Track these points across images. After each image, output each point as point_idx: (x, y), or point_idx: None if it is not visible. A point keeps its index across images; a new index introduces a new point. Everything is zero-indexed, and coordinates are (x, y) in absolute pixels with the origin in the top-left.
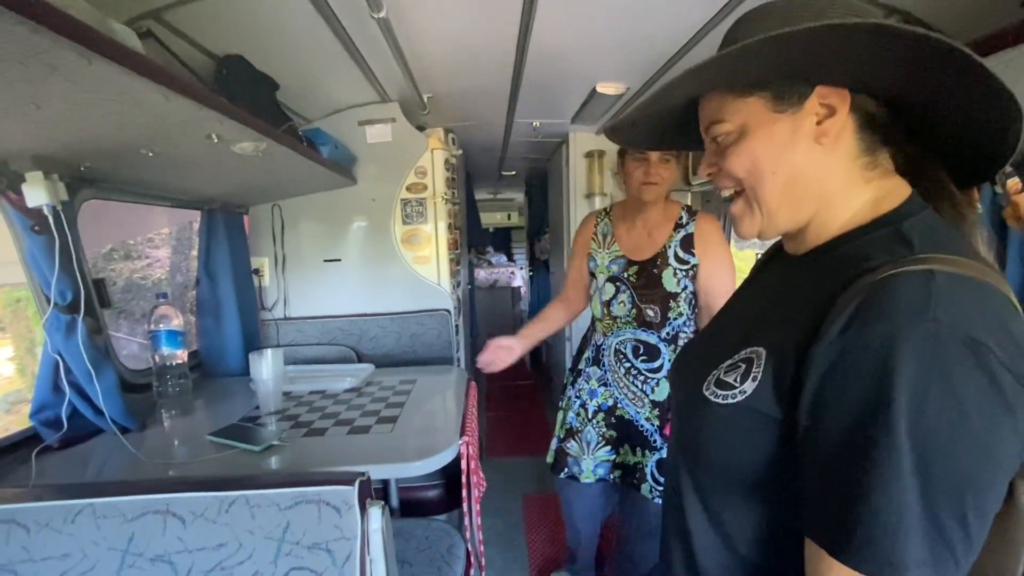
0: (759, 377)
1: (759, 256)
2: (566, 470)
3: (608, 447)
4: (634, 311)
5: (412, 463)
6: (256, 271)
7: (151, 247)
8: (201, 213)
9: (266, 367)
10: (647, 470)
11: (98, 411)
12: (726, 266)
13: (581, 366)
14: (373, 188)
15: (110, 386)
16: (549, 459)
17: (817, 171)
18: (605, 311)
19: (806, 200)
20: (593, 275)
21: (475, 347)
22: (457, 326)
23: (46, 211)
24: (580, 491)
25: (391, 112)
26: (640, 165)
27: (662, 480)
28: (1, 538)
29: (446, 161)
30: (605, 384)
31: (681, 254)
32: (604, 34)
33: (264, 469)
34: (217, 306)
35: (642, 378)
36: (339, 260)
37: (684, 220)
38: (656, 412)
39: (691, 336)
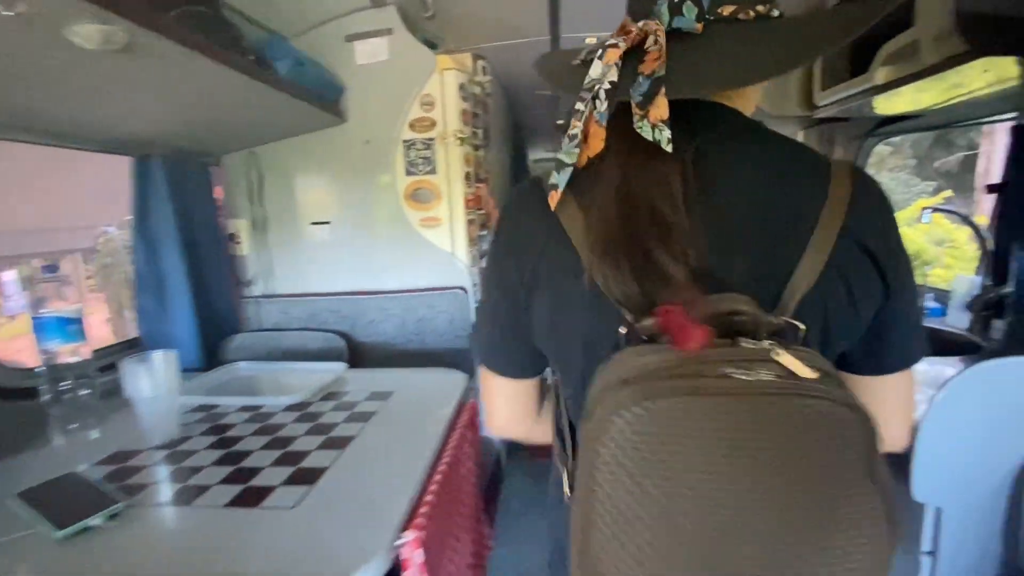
0: None
1: None
2: None
3: None
4: None
5: None
6: (231, 237)
7: None
8: (131, 161)
9: (147, 382)
10: None
11: None
12: None
13: None
14: (367, 127)
15: None
16: None
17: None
18: None
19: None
20: None
21: None
22: None
23: None
24: None
25: (387, 20)
26: None
27: None
28: None
29: (462, 87)
30: None
31: None
32: None
33: (50, 572)
34: (160, 281)
35: None
36: (328, 223)
37: None
38: None
39: None
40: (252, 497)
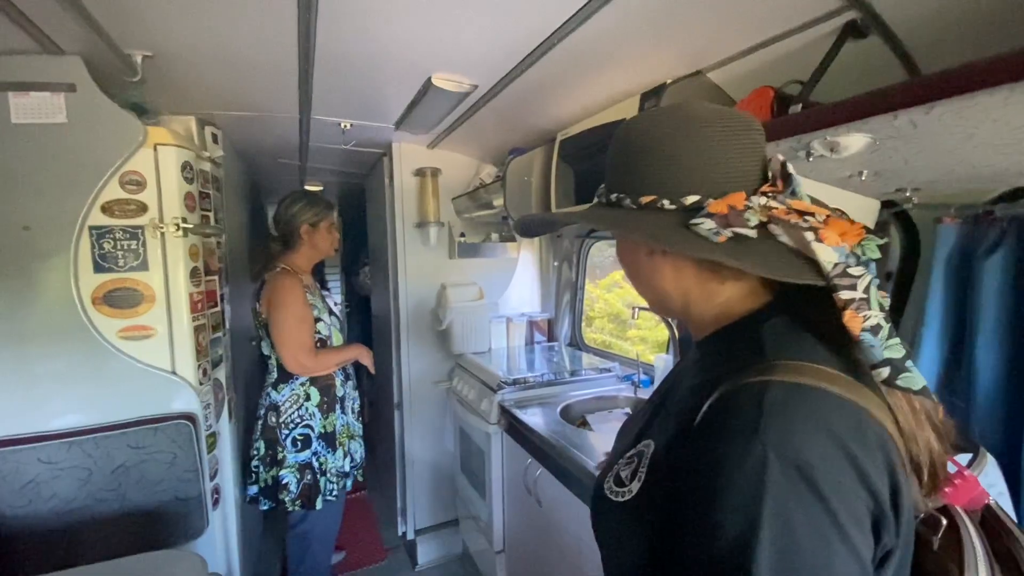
0: (643, 476)
1: None
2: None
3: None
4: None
5: None
6: None
7: None
8: None
9: None
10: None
11: None
12: None
13: (341, 393)
14: (26, 208)
15: None
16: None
17: (664, 274)
18: (344, 340)
19: (667, 295)
20: (320, 319)
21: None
22: (214, 435)
23: None
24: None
25: (66, 73)
26: (332, 232)
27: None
28: None
29: (185, 166)
30: (354, 389)
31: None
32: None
33: None
34: None
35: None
36: None
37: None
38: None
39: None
40: None
